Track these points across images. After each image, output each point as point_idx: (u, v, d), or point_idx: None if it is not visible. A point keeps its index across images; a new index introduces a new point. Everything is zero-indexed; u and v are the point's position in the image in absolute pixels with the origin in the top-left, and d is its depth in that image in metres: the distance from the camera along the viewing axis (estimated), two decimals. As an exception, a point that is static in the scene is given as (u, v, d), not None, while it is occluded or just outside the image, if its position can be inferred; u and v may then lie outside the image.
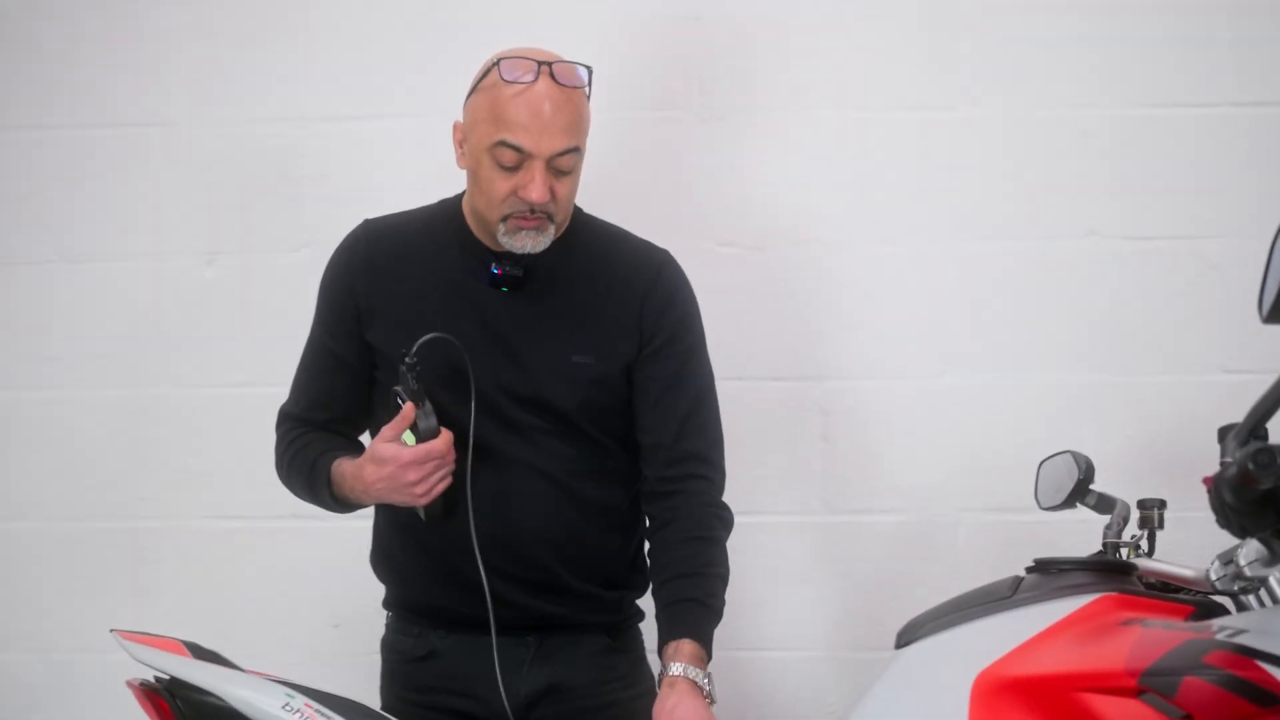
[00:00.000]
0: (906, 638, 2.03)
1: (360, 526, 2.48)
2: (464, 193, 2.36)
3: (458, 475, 2.23)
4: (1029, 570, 2.03)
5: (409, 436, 2.19)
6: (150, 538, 3.09)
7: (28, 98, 3.12)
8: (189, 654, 2.07)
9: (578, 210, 2.38)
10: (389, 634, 2.45)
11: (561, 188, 2.23)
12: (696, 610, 2.24)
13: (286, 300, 2.89)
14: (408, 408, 2.18)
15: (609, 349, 2.31)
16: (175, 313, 3.09)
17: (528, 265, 2.28)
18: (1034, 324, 2.98)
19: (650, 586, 2.35)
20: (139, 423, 3.10)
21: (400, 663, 2.40)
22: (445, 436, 2.18)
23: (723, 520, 2.34)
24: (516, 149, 2.19)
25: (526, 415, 2.28)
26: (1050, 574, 1.98)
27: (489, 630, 2.26)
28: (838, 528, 3.00)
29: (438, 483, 2.21)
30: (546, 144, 2.19)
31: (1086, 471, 2.28)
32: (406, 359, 2.16)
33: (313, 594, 3.06)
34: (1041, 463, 2.37)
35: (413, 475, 2.18)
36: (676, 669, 2.18)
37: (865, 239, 3.00)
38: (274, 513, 2.89)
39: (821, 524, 3.01)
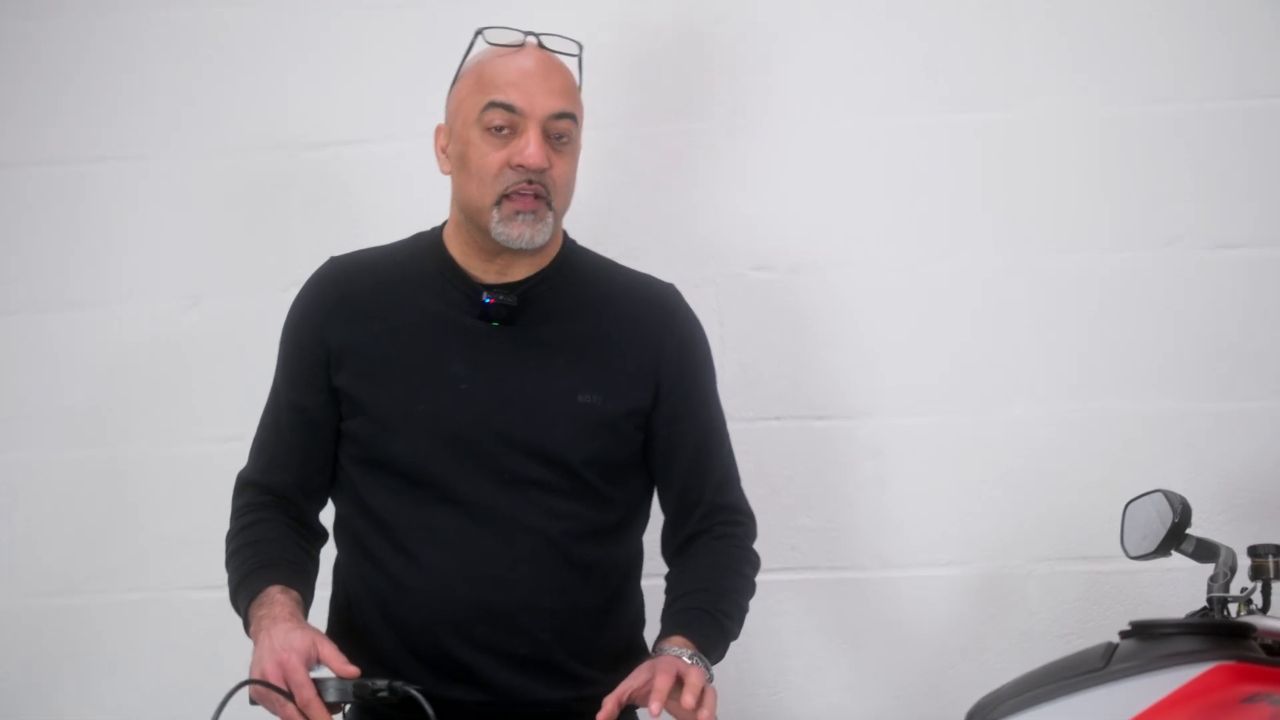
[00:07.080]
0: (980, 718, 1.86)
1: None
2: (444, 225, 2.22)
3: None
4: (1123, 635, 1.86)
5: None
6: (125, 613, 2.88)
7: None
8: None
9: (570, 241, 2.23)
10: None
11: (560, 163, 2.09)
12: (701, 619, 2.08)
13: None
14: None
15: (618, 389, 2.14)
16: (154, 361, 2.92)
17: (522, 294, 2.13)
18: (1112, 346, 2.76)
19: None
20: (114, 485, 2.90)
21: None
22: None
23: (751, 562, 2.25)
24: (508, 108, 2.07)
25: (525, 466, 2.09)
26: (1150, 639, 1.81)
27: (474, 715, 2.05)
28: (893, 584, 2.78)
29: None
30: (541, 103, 2.09)
31: (1182, 514, 2.07)
32: (375, 691, 1.93)
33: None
34: (1128, 504, 2.16)
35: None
36: (662, 649, 2.04)
37: (917, 257, 2.80)
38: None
39: (874, 580, 2.79)
